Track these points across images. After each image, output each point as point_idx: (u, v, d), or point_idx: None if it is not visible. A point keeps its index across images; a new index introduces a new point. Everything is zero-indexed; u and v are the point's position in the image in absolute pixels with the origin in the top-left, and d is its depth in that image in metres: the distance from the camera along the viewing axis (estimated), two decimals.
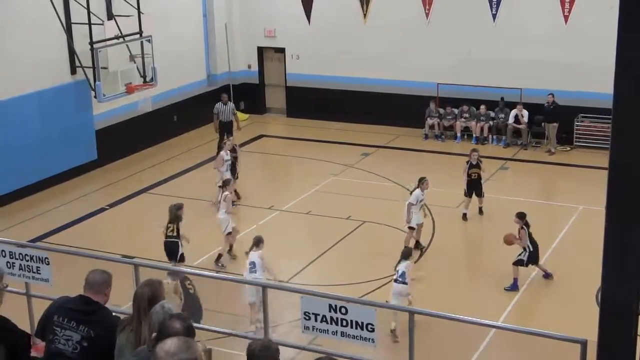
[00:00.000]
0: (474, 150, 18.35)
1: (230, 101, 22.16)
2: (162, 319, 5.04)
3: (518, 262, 14.71)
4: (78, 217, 18.38)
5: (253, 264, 13.44)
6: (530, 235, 14.72)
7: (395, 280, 13.19)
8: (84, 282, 6.11)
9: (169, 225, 14.68)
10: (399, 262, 13.44)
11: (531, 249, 14.71)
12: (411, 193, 16.32)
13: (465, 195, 18.02)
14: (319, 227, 17.98)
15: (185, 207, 18.98)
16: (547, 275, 14.99)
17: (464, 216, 17.96)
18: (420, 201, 16.24)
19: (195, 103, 24.75)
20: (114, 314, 6.21)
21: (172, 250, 14.65)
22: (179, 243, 14.67)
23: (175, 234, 14.64)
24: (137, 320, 5.66)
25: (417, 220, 16.25)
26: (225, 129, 21.74)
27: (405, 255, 13.62)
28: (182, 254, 14.72)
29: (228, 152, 18.74)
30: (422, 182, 16.31)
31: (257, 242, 13.71)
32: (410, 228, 16.21)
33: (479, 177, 17.97)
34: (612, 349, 5.75)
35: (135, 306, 5.72)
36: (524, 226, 14.73)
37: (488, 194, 18.38)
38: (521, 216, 14.88)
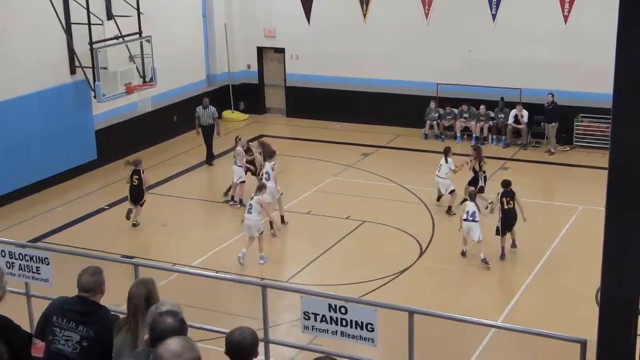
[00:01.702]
0: (472, 146, 19.41)
1: (212, 105, 21.91)
2: (153, 316, 4.99)
3: (497, 232, 15.72)
4: (78, 217, 18.37)
5: (251, 205, 15.69)
6: (503, 207, 15.63)
7: (465, 220, 15.56)
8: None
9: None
10: (464, 203, 16.02)
11: (500, 216, 15.64)
12: (442, 164, 17.71)
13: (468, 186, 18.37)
14: (318, 227, 17.97)
15: (185, 207, 19.08)
16: (503, 255, 15.77)
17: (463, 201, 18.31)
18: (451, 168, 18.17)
19: (194, 103, 24.57)
20: (113, 313, 6.21)
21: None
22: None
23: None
24: (134, 320, 5.63)
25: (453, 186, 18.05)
26: (206, 133, 21.73)
27: (471, 197, 15.81)
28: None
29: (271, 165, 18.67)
30: (450, 151, 18.32)
31: (260, 188, 15.92)
32: (452, 192, 17.97)
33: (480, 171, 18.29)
34: (611, 348, 5.75)
35: (131, 306, 5.68)
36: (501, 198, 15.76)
37: (489, 194, 18.34)
38: (505, 184, 15.92)
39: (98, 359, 5.91)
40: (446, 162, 18.09)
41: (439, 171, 18.14)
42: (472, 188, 16.90)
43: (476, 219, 15.51)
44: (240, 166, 18.67)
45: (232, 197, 18.88)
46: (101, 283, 6.08)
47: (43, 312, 6.22)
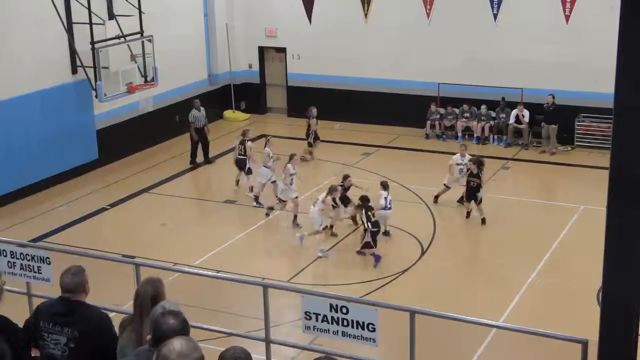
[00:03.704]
0: (470, 159, 18.03)
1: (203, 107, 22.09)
2: (155, 317, 4.98)
3: (366, 245, 15.81)
4: (79, 217, 18.38)
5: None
6: (369, 216, 15.70)
7: (385, 208, 16.39)
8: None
9: (240, 145, 19.35)
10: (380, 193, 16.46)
11: (372, 229, 15.66)
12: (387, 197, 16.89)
13: (465, 201, 18.06)
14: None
15: (186, 207, 19.07)
16: (377, 259, 15.72)
17: (468, 214, 17.89)
18: (458, 164, 18.31)
19: None
20: (114, 312, 6.19)
21: (241, 165, 19.38)
22: (247, 160, 19.25)
23: (244, 153, 19.22)
24: (139, 319, 5.64)
25: (450, 182, 18.36)
26: (202, 134, 21.66)
27: (384, 186, 16.69)
28: (249, 168, 19.23)
29: (270, 149, 18.83)
30: (460, 147, 18.95)
31: (331, 191, 16.68)
32: (445, 186, 18.37)
33: (478, 187, 17.52)
34: (613, 348, 5.75)
35: (137, 305, 5.69)
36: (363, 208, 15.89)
37: (489, 194, 18.36)
38: (364, 199, 16.07)
39: (89, 357, 5.90)
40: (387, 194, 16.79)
41: (388, 204, 16.73)
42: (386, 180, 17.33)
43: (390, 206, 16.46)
44: (267, 167, 18.66)
45: (257, 197, 18.81)
46: (83, 283, 6.03)
47: (31, 318, 6.19)
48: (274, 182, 18.60)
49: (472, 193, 17.66)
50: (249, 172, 19.31)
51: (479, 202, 17.58)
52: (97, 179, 20.98)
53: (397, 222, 17.40)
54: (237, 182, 19.85)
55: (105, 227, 18.42)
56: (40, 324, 6.01)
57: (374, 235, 15.75)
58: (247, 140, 19.47)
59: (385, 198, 16.55)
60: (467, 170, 17.89)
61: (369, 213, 15.75)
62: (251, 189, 19.13)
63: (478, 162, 17.78)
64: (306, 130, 22.39)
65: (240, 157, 19.42)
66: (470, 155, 18.62)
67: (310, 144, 22.24)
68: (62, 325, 5.92)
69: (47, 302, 6.23)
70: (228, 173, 20.82)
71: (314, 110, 22.35)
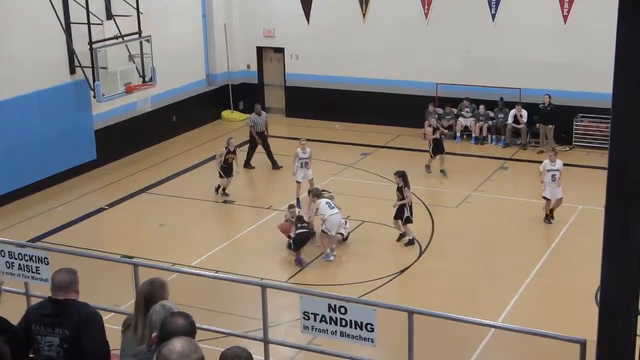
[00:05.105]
0: (395, 172, 16.76)
1: (264, 111, 22.03)
2: (163, 316, 5.00)
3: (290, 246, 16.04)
4: (77, 217, 18.37)
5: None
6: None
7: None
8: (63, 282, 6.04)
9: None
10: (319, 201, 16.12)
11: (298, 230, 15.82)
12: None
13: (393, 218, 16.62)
14: (318, 227, 17.93)
15: (184, 207, 19.07)
16: (299, 260, 15.78)
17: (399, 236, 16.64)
18: (548, 171, 17.29)
19: (194, 103, 24.75)
20: (112, 312, 6.19)
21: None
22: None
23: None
24: (136, 318, 5.67)
25: (548, 194, 17.32)
26: (263, 139, 21.36)
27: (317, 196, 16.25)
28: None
29: (307, 149, 18.80)
30: (549, 153, 17.94)
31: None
32: (545, 199, 17.37)
33: (403, 206, 16.28)
34: (611, 349, 5.75)
35: (135, 304, 5.73)
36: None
37: (488, 194, 18.38)
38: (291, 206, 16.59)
39: (84, 356, 5.89)
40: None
41: (334, 207, 16.12)
42: (318, 187, 17.28)
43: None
44: (295, 166, 18.75)
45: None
46: (75, 282, 6.04)
47: (22, 322, 6.16)
48: (298, 182, 18.68)
49: (398, 210, 16.41)
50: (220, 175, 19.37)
51: (404, 221, 16.31)
52: (95, 179, 20.97)
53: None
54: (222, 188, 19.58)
55: (103, 227, 18.41)
56: (33, 327, 5.98)
57: (298, 236, 15.79)
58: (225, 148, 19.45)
59: (328, 203, 16.00)
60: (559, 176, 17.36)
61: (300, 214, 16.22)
62: (217, 189, 19.40)
63: (400, 174, 16.53)
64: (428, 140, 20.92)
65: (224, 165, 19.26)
66: (559, 160, 17.66)
67: (431, 156, 20.52)
68: (52, 327, 5.90)
69: (36, 305, 6.21)
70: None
71: (432, 119, 21.27)
